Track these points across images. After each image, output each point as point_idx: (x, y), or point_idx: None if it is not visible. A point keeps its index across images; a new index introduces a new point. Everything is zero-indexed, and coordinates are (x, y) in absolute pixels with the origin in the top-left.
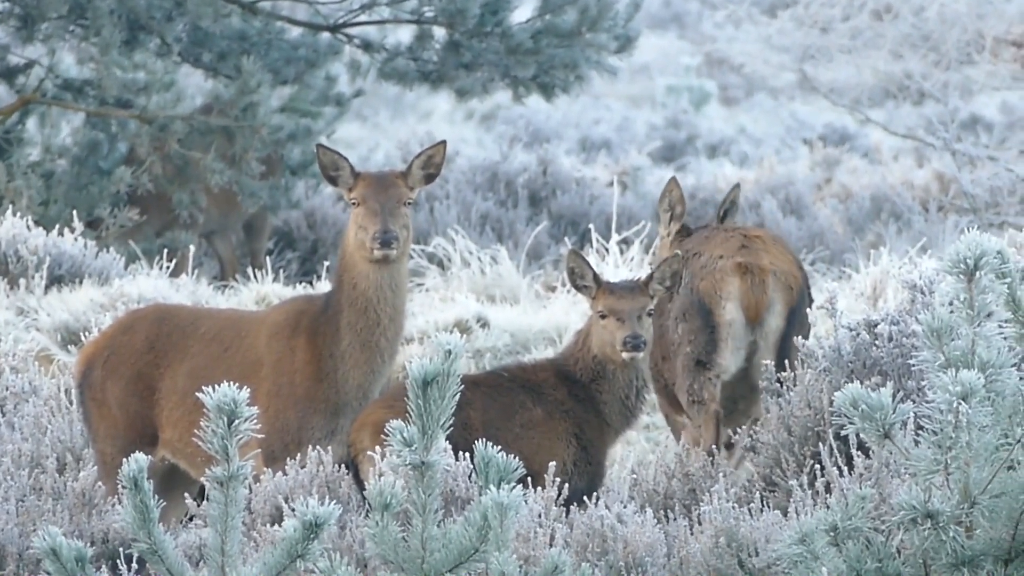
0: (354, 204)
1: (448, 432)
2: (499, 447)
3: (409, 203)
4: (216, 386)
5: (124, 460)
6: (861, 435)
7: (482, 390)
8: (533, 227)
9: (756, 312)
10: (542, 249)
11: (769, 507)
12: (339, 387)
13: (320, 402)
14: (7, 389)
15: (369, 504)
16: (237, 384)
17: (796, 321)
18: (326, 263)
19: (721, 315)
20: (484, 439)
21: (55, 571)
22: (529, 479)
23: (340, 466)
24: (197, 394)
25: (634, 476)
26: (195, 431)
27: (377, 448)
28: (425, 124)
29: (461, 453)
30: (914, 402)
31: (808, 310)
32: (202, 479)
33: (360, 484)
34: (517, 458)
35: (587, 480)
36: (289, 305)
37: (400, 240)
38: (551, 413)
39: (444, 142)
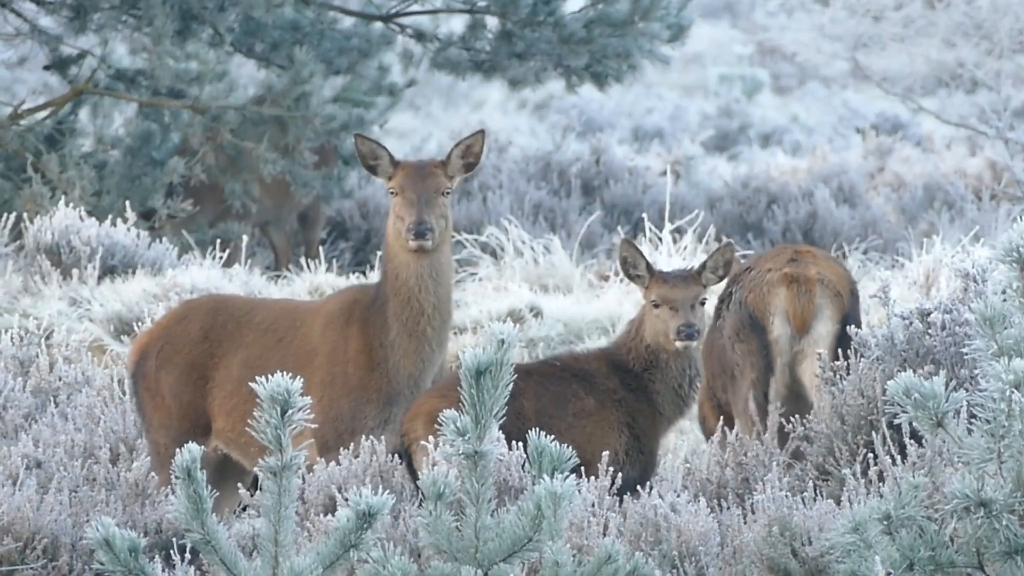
0: (393, 194)
1: (501, 422)
2: (552, 436)
3: (448, 192)
4: (270, 376)
5: (177, 450)
6: (914, 424)
7: (535, 379)
8: (586, 216)
9: (803, 321)
10: (595, 238)
11: (822, 496)
12: (391, 377)
13: (373, 392)
14: (60, 379)
15: (422, 494)
16: (291, 374)
17: (849, 327)
18: (379, 252)
19: (771, 330)
20: (537, 428)
21: (108, 562)
22: (582, 468)
23: (393, 456)
24: (250, 384)
25: (687, 465)
26: (248, 421)
27: (430, 437)
28: (478, 114)
29: (514, 443)
30: (967, 390)
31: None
32: (255, 469)
33: (413, 473)
34: (570, 447)
35: (639, 469)
36: (343, 295)
37: (436, 231)
38: (603, 403)
39: (483, 131)
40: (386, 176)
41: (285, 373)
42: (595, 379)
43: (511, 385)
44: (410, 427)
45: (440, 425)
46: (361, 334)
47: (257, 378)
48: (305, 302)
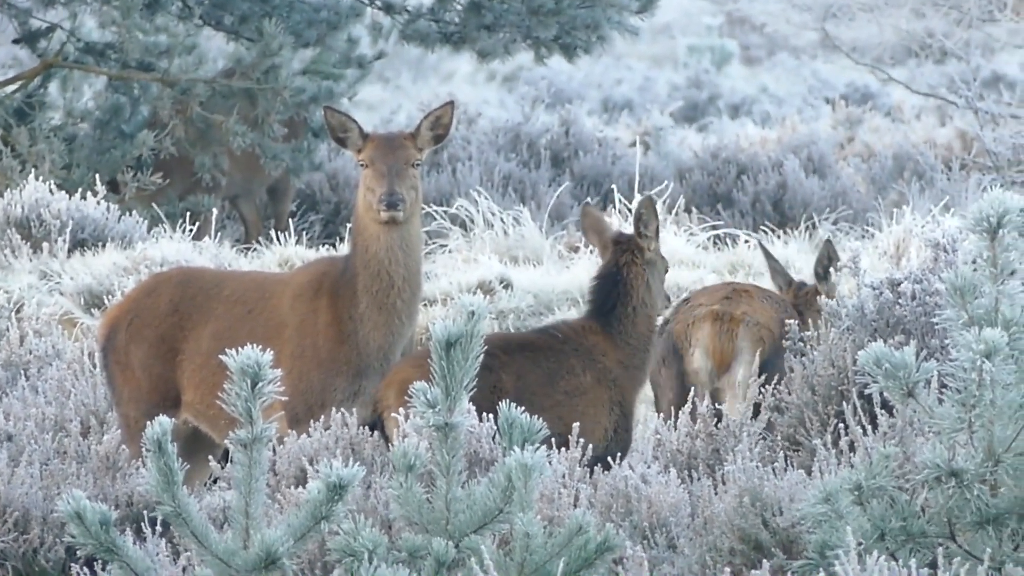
0: (363, 166)
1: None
2: (534, 412)
3: (418, 164)
4: (239, 348)
5: (148, 423)
6: (885, 394)
7: (525, 354)
8: (556, 188)
9: (722, 359)
10: (565, 210)
11: (793, 466)
12: (360, 349)
13: (342, 364)
14: (31, 353)
15: (393, 465)
16: (260, 346)
17: (769, 373)
18: (348, 225)
19: (689, 362)
20: (515, 403)
21: (80, 534)
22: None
23: (364, 428)
24: (220, 356)
25: (658, 436)
26: (218, 393)
27: (402, 408)
28: (447, 85)
29: (486, 415)
30: (938, 360)
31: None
32: (226, 442)
33: (387, 441)
34: (557, 423)
35: (623, 445)
36: (312, 267)
37: (407, 202)
38: (600, 380)
39: (452, 102)
40: (355, 148)
41: (254, 345)
42: (593, 355)
43: (492, 359)
44: (383, 396)
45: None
46: (331, 306)
47: (227, 350)
48: (274, 274)
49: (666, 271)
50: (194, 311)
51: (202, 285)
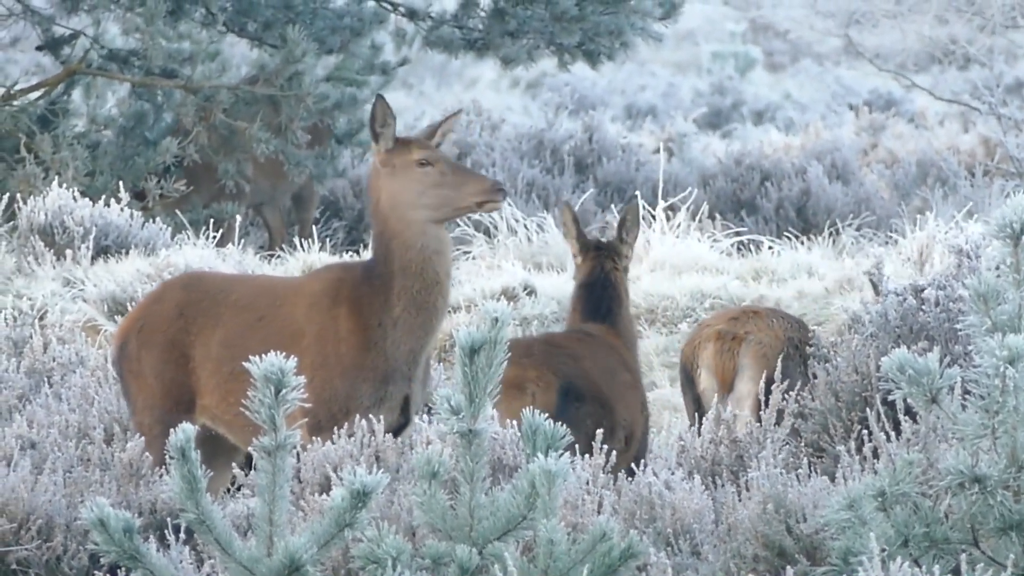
0: (424, 164)
1: (573, 384)
2: (612, 403)
3: None
4: (253, 355)
5: (165, 429)
6: (908, 400)
7: (587, 349)
8: (579, 194)
9: (724, 377)
10: (588, 216)
11: (817, 473)
12: (388, 355)
13: (368, 371)
14: (54, 360)
15: (417, 472)
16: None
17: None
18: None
19: (698, 383)
20: (591, 384)
21: (103, 542)
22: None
23: (389, 434)
24: (233, 362)
25: (681, 443)
26: (231, 399)
27: (504, 402)
28: (471, 92)
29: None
30: (961, 367)
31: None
32: (248, 448)
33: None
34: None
35: (645, 448)
36: (325, 274)
37: None
38: (636, 378)
39: (460, 110)
40: (386, 148)
41: (266, 353)
42: (623, 355)
43: (570, 348)
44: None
45: (517, 389)
46: (353, 314)
47: (239, 357)
48: (284, 279)
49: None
50: (199, 315)
51: (207, 289)
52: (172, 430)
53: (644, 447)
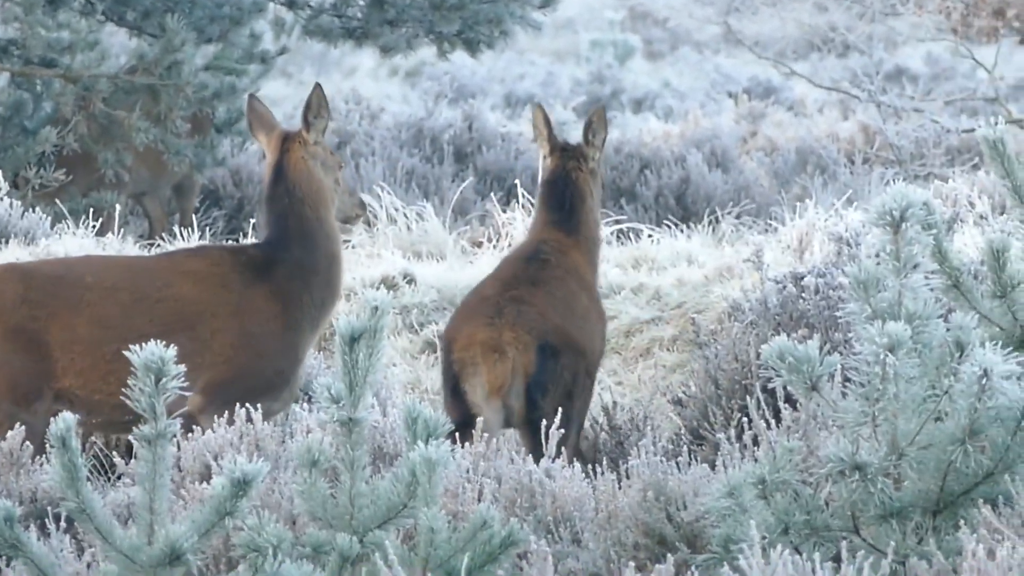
0: (340, 168)
1: (548, 342)
2: (582, 344)
3: None
4: (144, 335)
5: (7, 421)
6: (788, 388)
7: (543, 289)
8: (459, 183)
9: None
10: (468, 205)
11: (697, 461)
12: (305, 334)
13: (290, 349)
14: None
15: (297, 461)
16: (167, 332)
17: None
18: (252, 220)
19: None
20: (563, 336)
21: None
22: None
23: (268, 423)
24: (115, 343)
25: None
26: (112, 379)
27: (484, 365)
28: (350, 81)
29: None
30: (841, 354)
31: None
32: (130, 437)
33: (463, 403)
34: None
35: (602, 348)
36: (217, 254)
37: None
38: (592, 297)
39: (318, 84)
40: (315, 137)
41: (161, 331)
42: (580, 271)
43: (526, 298)
44: (466, 355)
45: (496, 353)
46: (274, 293)
47: (126, 339)
48: (147, 259)
49: (603, 189)
50: (50, 300)
51: (48, 274)
52: (20, 422)
53: (602, 350)
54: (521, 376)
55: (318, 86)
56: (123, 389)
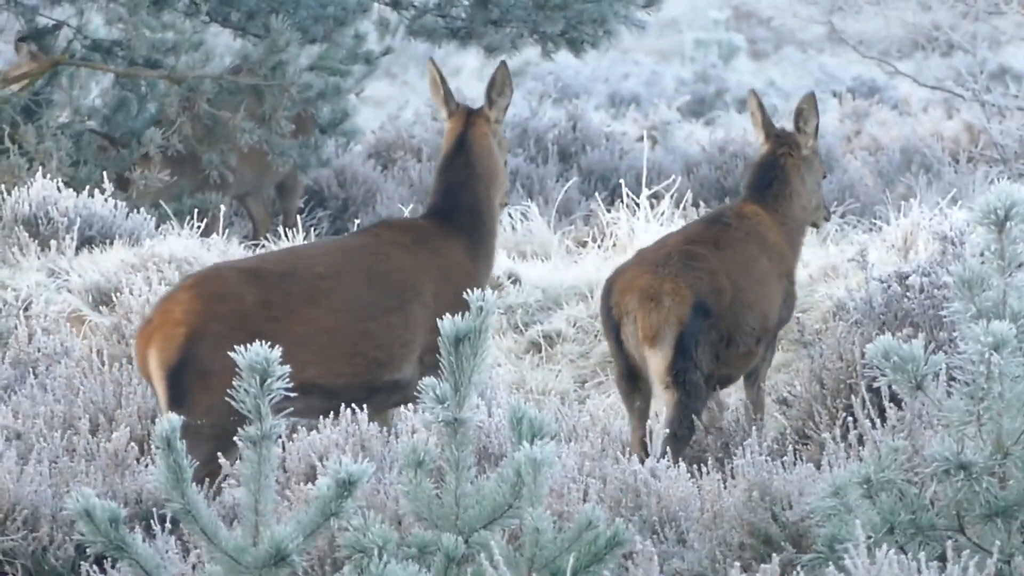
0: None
1: (705, 302)
2: (748, 309)
3: None
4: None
5: (158, 419)
6: (893, 387)
7: (722, 250)
8: (563, 183)
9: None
10: (572, 205)
11: (802, 460)
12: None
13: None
14: (39, 351)
15: (403, 461)
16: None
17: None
18: (356, 221)
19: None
20: (727, 298)
21: (89, 532)
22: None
23: (374, 423)
24: (365, 323)
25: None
26: (356, 361)
27: (640, 312)
28: (454, 81)
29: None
30: (946, 353)
31: None
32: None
33: (620, 346)
34: (759, 317)
35: (791, 311)
36: (413, 224)
37: None
38: (771, 259)
39: (503, 62)
40: (496, 116)
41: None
42: (763, 233)
43: (702, 260)
44: (622, 300)
45: (653, 300)
46: (465, 256)
47: (371, 318)
48: (355, 240)
49: (823, 176)
50: (288, 299)
51: (280, 272)
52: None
53: (788, 312)
54: (675, 327)
55: (503, 64)
56: (368, 366)
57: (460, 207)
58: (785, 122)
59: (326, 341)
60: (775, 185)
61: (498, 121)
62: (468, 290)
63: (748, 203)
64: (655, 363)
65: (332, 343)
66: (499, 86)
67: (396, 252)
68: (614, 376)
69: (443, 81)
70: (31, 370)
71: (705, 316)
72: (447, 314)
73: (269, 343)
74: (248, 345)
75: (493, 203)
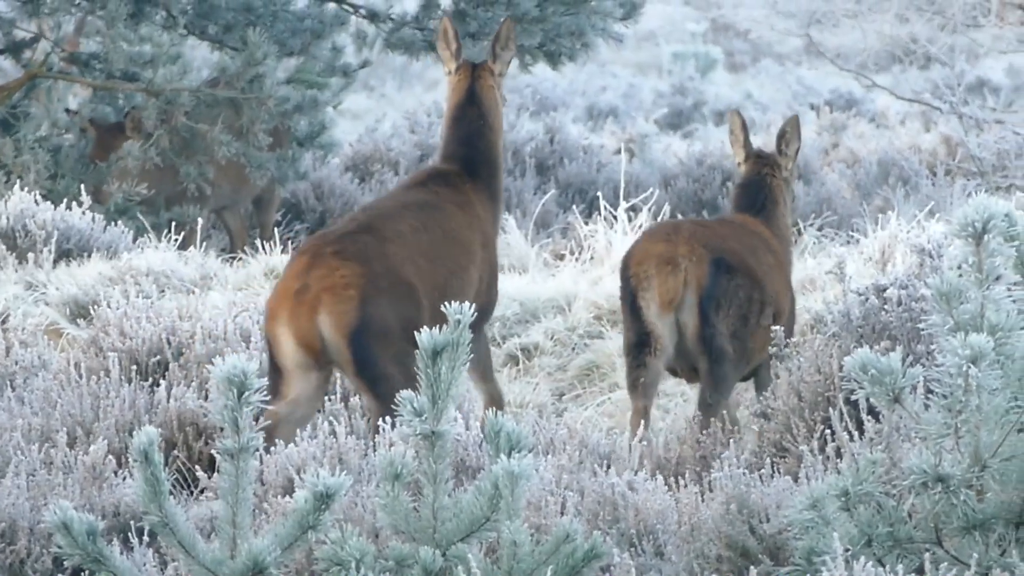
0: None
1: (723, 258)
2: (760, 278)
3: None
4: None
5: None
6: (871, 400)
7: (731, 228)
8: (541, 196)
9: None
10: (550, 218)
11: (780, 473)
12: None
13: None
14: (16, 363)
15: (380, 474)
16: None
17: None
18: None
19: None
20: (741, 259)
21: (67, 545)
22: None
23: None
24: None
25: (644, 443)
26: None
27: (657, 278)
28: (432, 93)
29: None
30: (924, 366)
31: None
32: (212, 450)
33: (639, 321)
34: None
35: (793, 323)
36: (447, 176)
37: None
38: (780, 262)
39: (507, 18)
40: (500, 69)
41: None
42: (768, 241)
43: (713, 242)
44: (640, 269)
45: (671, 267)
46: (487, 204)
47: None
48: (407, 194)
49: (793, 200)
50: (409, 254)
51: (385, 231)
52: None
53: (792, 324)
54: (694, 289)
55: (508, 20)
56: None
57: (478, 157)
58: (762, 136)
59: (437, 297)
60: (767, 205)
61: (501, 74)
62: (491, 238)
63: (748, 216)
64: (680, 332)
65: (441, 297)
66: (503, 40)
67: (456, 213)
68: (623, 348)
69: (456, 37)
70: (8, 383)
71: (727, 272)
72: (495, 259)
73: (422, 290)
74: (406, 298)
75: (502, 154)
